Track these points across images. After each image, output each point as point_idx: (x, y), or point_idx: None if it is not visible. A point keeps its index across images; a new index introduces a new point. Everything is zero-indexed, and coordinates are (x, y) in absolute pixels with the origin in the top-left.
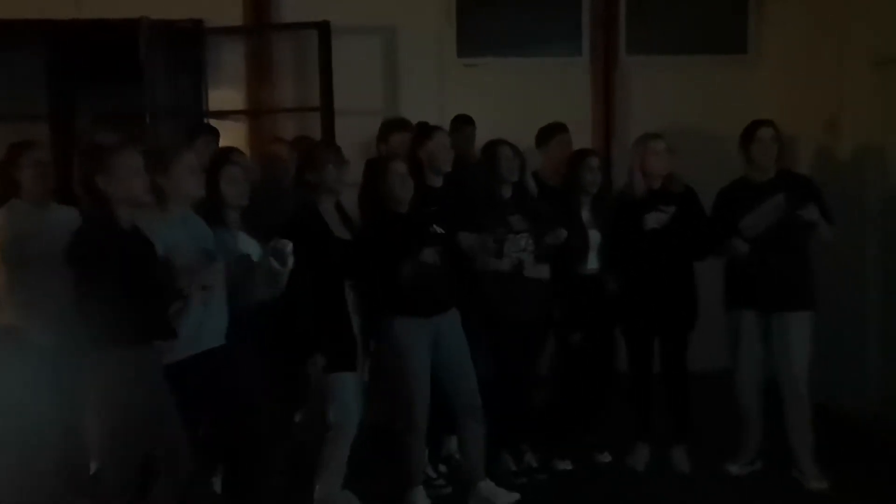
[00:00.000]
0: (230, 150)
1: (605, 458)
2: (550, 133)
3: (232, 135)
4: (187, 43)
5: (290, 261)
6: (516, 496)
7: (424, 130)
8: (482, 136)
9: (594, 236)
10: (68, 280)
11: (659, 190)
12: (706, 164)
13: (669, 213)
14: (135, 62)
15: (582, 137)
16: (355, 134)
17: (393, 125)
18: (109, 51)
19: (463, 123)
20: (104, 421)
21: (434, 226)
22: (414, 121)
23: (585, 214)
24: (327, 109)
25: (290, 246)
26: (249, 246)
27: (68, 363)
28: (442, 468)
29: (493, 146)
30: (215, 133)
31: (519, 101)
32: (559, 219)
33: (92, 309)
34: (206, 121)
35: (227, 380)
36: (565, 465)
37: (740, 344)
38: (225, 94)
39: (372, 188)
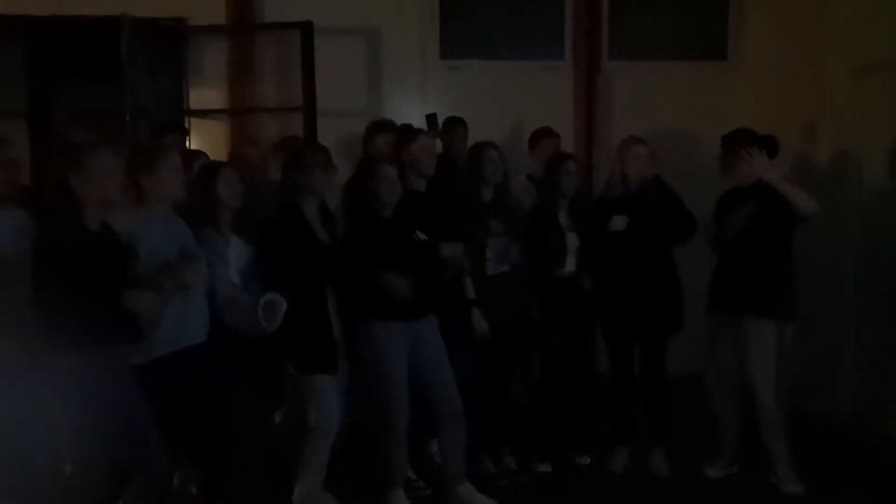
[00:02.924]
0: (197, 154)
1: (585, 460)
2: (539, 137)
3: (213, 134)
4: (169, 41)
5: (279, 319)
6: (493, 503)
7: (408, 133)
8: None
9: (572, 239)
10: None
11: (636, 193)
12: (685, 168)
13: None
14: (116, 60)
15: (563, 141)
16: (338, 134)
17: (379, 127)
18: (90, 48)
19: (455, 125)
20: (78, 424)
21: (417, 232)
22: (396, 122)
23: (563, 217)
24: (310, 109)
25: (284, 305)
26: (241, 252)
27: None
28: (422, 470)
29: (478, 148)
30: (184, 131)
31: (501, 104)
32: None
33: (59, 312)
34: (183, 119)
35: (206, 378)
36: (545, 468)
37: (711, 346)
38: (206, 93)
39: (359, 190)
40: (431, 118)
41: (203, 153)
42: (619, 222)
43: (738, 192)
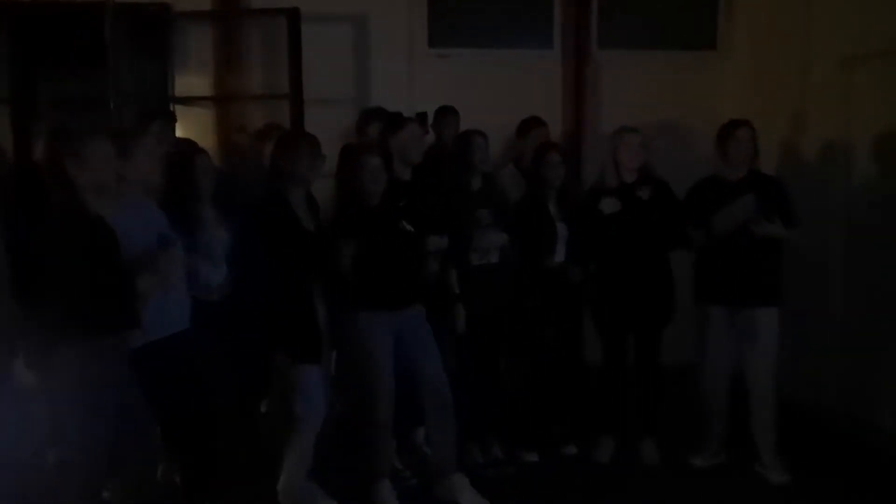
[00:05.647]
0: (185, 142)
1: (571, 450)
2: (528, 126)
3: (199, 121)
4: (154, 26)
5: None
6: (480, 498)
7: (396, 121)
8: None
9: (561, 229)
10: None
11: (632, 183)
12: (675, 158)
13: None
14: (100, 45)
15: (552, 130)
16: (325, 122)
17: (372, 115)
18: (74, 33)
19: (447, 113)
20: (71, 412)
21: (403, 222)
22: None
23: (552, 207)
24: (296, 97)
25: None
26: (220, 240)
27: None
28: (408, 460)
29: (466, 136)
30: (172, 118)
31: (489, 93)
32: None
33: (57, 299)
34: (168, 106)
35: (190, 367)
36: (532, 458)
37: (709, 339)
38: (192, 80)
39: (343, 178)
40: (421, 117)
41: (192, 141)
42: (611, 204)
43: (722, 183)
